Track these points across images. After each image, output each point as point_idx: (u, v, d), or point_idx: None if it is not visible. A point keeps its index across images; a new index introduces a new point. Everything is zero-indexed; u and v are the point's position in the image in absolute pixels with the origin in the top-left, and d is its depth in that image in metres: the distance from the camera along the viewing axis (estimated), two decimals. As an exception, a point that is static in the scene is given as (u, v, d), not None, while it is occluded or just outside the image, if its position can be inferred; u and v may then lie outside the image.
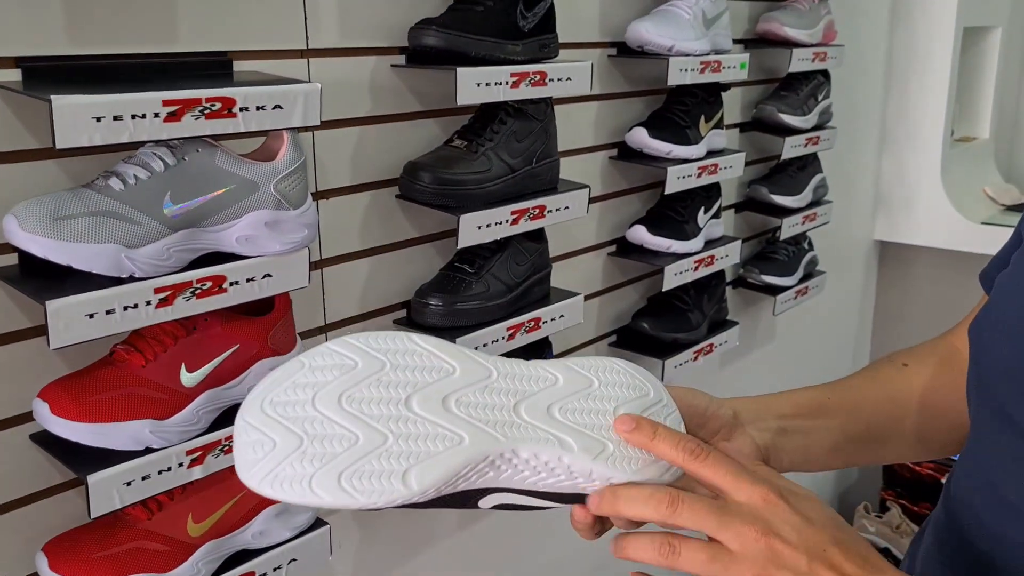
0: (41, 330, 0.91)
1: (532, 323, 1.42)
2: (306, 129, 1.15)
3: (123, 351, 0.99)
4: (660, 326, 1.80)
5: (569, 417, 0.65)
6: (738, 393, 0.80)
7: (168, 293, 0.95)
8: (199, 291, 0.97)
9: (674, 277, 1.73)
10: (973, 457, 0.73)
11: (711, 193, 1.85)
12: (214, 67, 1.06)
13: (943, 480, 2.75)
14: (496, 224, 1.31)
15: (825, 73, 2.18)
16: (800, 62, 2.02)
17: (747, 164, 1.94)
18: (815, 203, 2.26)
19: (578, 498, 0.68)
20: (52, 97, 0.82)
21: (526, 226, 1.36)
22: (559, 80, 1.35)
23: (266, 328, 1.09)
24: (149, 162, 0.94)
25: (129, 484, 0.96)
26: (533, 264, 1.44)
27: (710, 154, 1.79)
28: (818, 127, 2.17)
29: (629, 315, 1.85)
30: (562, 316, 1.48)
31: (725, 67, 1.72)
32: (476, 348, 1.30)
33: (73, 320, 0.88)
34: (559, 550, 1.83)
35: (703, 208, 1.83)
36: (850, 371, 0.90)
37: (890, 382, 0.87)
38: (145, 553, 1.01)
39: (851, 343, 3.07)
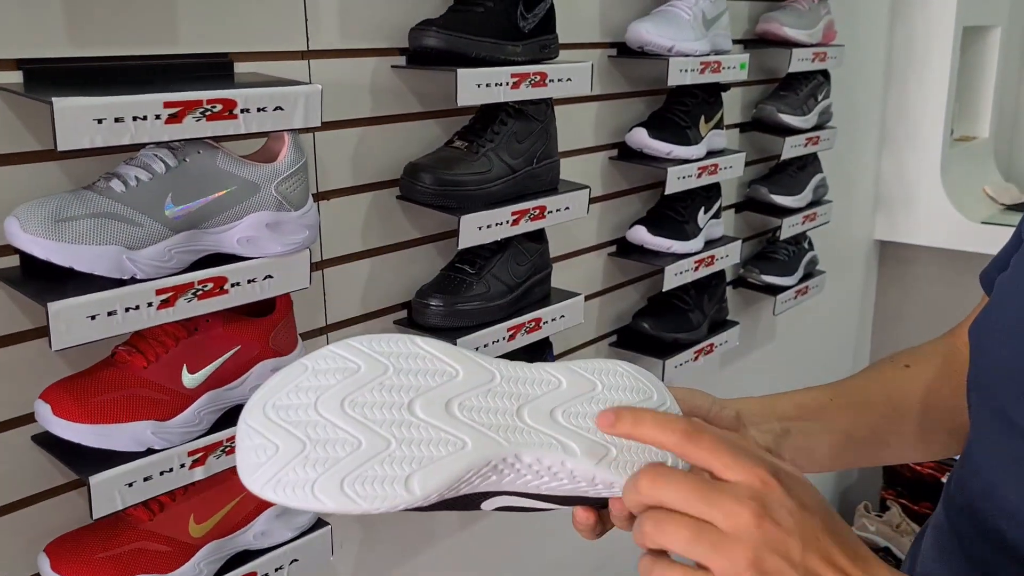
0: (43, 331, 0.91)
1: (533, 323, 1.42)
2: (307, 130, 1.15)
3: (125, 352, 1.00)
4: (660, 326, 1.80)
5: (572, 421, 0.65)
6: (739, 393, 0.80)
7: (170, 294, 0.95)
8: (200, 292, 0.97)
9: (674, 277, 1.73)
10: (973, 458, 0.73)
11: (711, 193, 1.86)
12: (215, 68, 1.07)
13: (943, 480, 2.76)
14: (497, 225, 1.31)
15: (825, 73, 2.18)
16: (800, 62, 2.02)
17: (747, 164, 1.95)
18: (815, 203, 2.26)
19: (581, 501, 0.68)
20: (53, 99, 0.83)
21: (527, 227, 1.36)
22: (559, 81, 1.35)
23: (267, 329, 1.09)
24: (150, 164, 0.94)
25: (131, 485, 0.96)
26: (534, 264, 1.44)
27: (710, 154, 1.79)
28: (818, 127, 2.17)
29: (629, 315, 1.85)
30: (563, 316, 1.48)
31: (725, 67, 1.73)
32: (476, 349, 1.31)
33: (75, 321, 0.88)
34: (559, 550, 1.83)
35: (703, 208, 1.83)
36: (850, 371, 0.90)
37: (892, 383, 0.86)
38: (147, 554, 1.02)
39: (851, 343, 3.07)
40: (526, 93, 1.30)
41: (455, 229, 1.26)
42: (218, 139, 0.98)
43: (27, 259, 0.90)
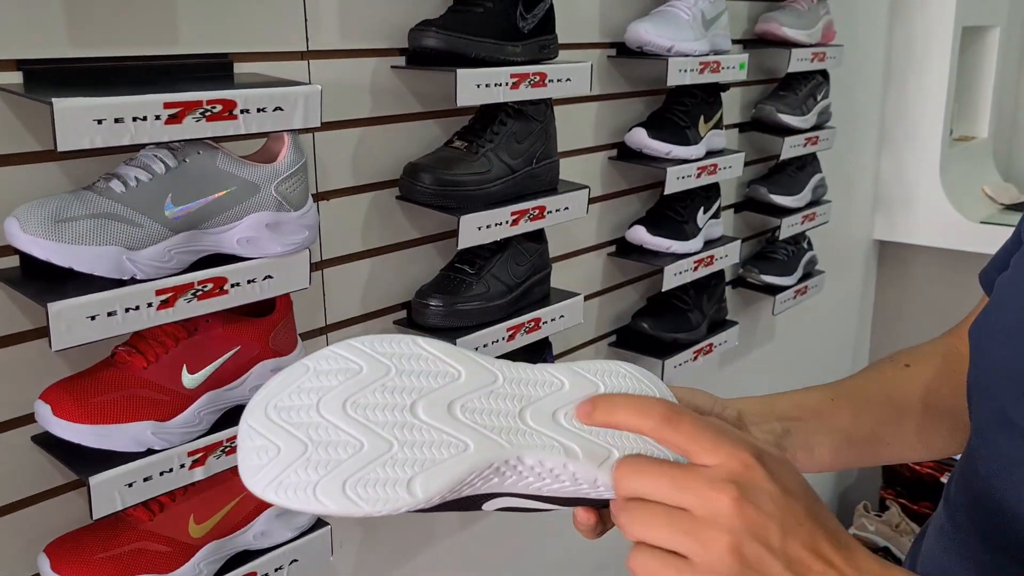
0: (43, 332, 0.91)
1: (532, 323, 1.42)
2: (307, 131, 1.15)
3: (124, 353, 1.00)
4: (660, 326, 1.80)
5: (575, 423, 0.65)
6: (738, 393, 0.80)
7: (169, 295, 0.95)
8: (200, 293, 0.97)
9: (674, 277, 1.73)
10: (973, 459, 0.73)
11: (710, 193, 1.86)
12: (215, 69, 1.07)
13: (943, 479, 2.76)
14: (496, 225, 1.31)
15: (824, 73, 2.19)
16: (799, 62, 2.02)
17: (746, 164, 1.95)
18: (814, 203, 2.27)
19: (582, 502, 0.67)
20: (53, 100, 0.83)
21: (526, 227, 1.36)
22: (559, 81, 1.35)
23: (267, 329, 1.09)
24: (150, 164, 0.94)
25: (131, 485, 0.96)
26: (533, 265, 1.44)
27: (709, 154, 1.79)
28: (817, 127, 2.17)
29: (629, 315, 1.85)
30: (562, 316, 1.48)
31: (724, 67, 1.73)
32: (476, 349, 1.31)
33: (75, 322, 0.88)
34: (559, 550, 1.83)
35: (702, 208, 1.83)
36: (850, 370, 0.90)
37: (893, 383, 0.86)
38: (147, 554, 1.02)
39: (850, 342, 3.07)
40: (525, 93, 1.31)
41: (455, 229, 1.26)
42: (218, 139, 0.98)
43: (27, 259, 0.90)
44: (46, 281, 0.90)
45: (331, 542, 1.21)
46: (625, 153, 1.73)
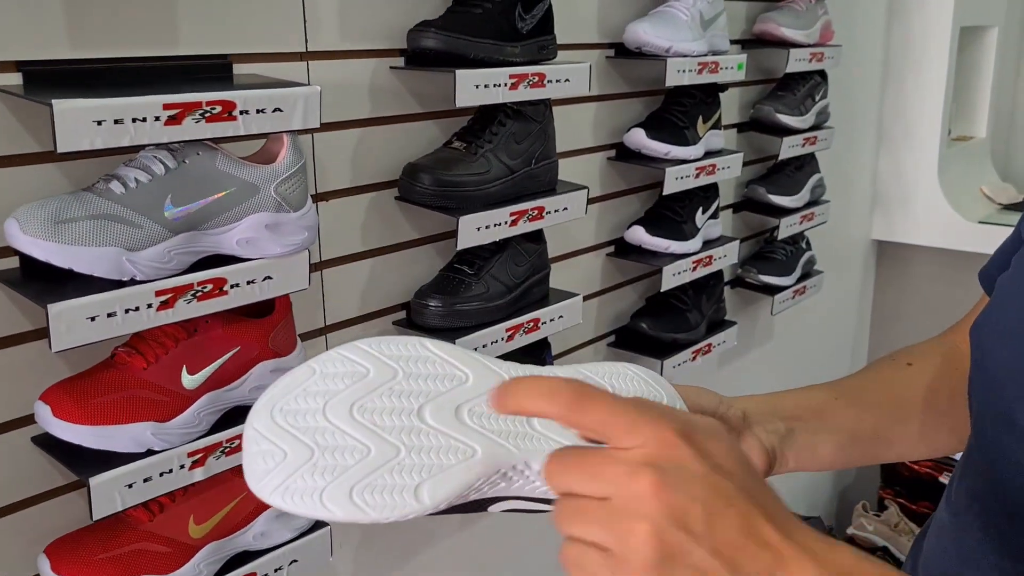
0: (43, 333, 0.91)
1: (531, 324, 1.42)
2: (306, 131, 1.15)
3: (124, 353, 1.00)
4: (659, 326, 1.81)
5: None
6: (737, 393, 0.80)
7: (169, 296, 0.95)
8: (200, 293, 0.98)
9: (672, 277, 1.74)
10: (975, 459, 0.73)
11: (709, 193, 1.86)
12: (214, 70, 1.07)
13: (942, 479, 2.76)
14: (495, 225, 1.31)
15: (822, 73, 2.19)
16: (797, 62, 2.02)
17: (745, 164, 1.95)
18: (813, 203, 2.27)
19: None
20: (53, 101, 0.83)
21: (525, 227, 1.37)
22: (557, 81, 1.35)
23: (267, 330, 1.09)
24: (150, 165, 0.94)
25: (131, 486, 0.97)
26: (532, 265, 1.44)
27: (708, 154, 1.79)
28: (815, 127, 2.18)
29: (628, 315, 1.85)
30: (561, 317, 1.48)
31: (723, 68, 1.73)
32: (475, 349, 1.31)
33: (75, 323, 0.88)
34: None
35: (701, 208, 1.83)
36: (848, 370, 0.90)
37: (895, 382, 0.86)
38: (147, 555, 1.02)
39: (849, 342, 3.08)
40: (524, 94, 1.31)
41: (454, 230, 1.26)
42: (217, 140, 0.98)
43: (27, 261, 0.90)
44: (46, 282, 0.90)
45: (331, 543, 1.21)
46: (624, 153, 1.73)
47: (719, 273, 1.94)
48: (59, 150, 0.84)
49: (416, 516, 0.59)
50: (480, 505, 0.65)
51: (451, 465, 0.60)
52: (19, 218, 0.87)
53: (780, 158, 2.08)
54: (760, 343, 2.46)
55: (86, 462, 0.95)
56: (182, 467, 1.01)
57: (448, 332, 1.31)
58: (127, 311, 0.92)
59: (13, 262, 0.95)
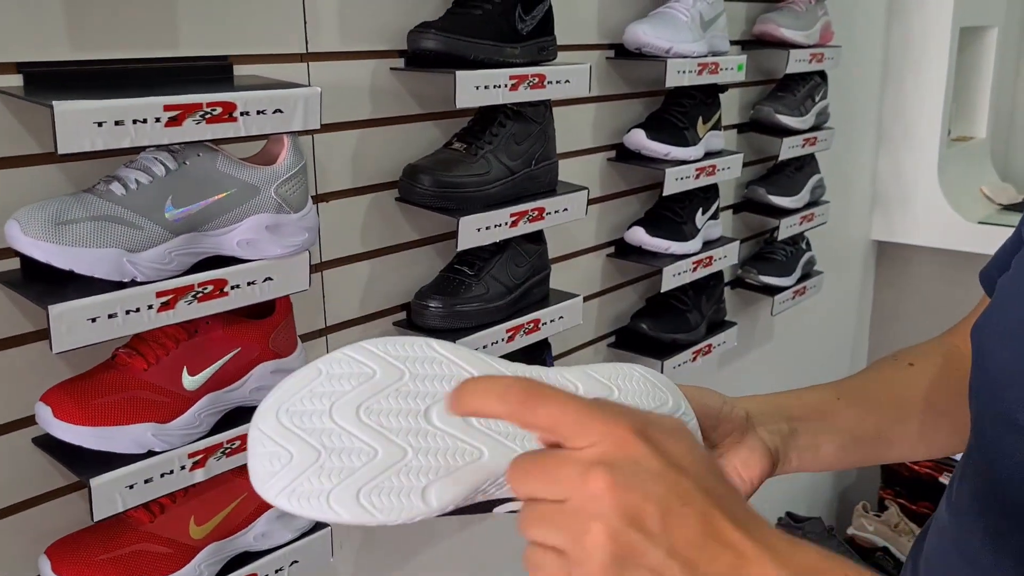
0: (43, 334, 0.91)
1: (531, 325, 1.42)
2: (306, 133, 1.15)
3: (125, 355, 1.00)
4: (659, 327, 1.81)
5: None
6: (737, 393, 0.80)
7: (170, 297, 0.95)
8: (201, 295, 0.98)
9: (673, 278, 1.74)
10: (975, 460, 0.73)
11: (709, 194, 1.86)
12: (215, 71, 1.07)
13: (942, 479, 2.76)
14: (495, 226, 1.31)
15: (822, 74, 2.19)
16: (797, 63, 2.02)
17: (745, 165, 1.95)
18: (813, 203, 2.27)
19: None
20: (54, 103, 0.83)
21: (525, 228, 1.37)
22: (558, 82, 1.36)
23: (267, 331, 1.09)
24: (150, 167, 0.94)
25: (131, 487, 0.97)
26: (532, 266, 1.44)
27: (708, 155, 1.79)
28: (815, 128, 2.18)
29: (628, 316, 1.85)
30: (561, 317, 1.48)
31: (723, 68, 1.73)
32: (476, 350, 1.31)
33: (75, 324, 0.88)
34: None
35: (701, 209, 1.83)
36: (848, 370, 0.90)
37: (897, 383, 0.86)
38: (148, 556, 1.02)
39: (849, 342, 3.08)
40: (524, 95, 1.31)
41: (454, 231, 1.26)
42: (218, 142, 0.98)
43: (28, 262, 0.90)
44: (47, 283, 0.90)
45: (331, 543, 1.22)
46: (624, 154, 1.73)
47: (719, 274, 1.95)
48: (60, 151, 0.84)
49: (423, 518, 0.59)
50: (486, 507, 0.65)
51: (458, 467, 0.59)
52: (20, 219, 0.87)
53: (780, 159, 2.09)
54: (760, 344, 2.46)
55: (87, 463, 0.95)
56: (183, 468, 1.01)
57: (448, 333, 1.31)
58: (128, 312, 0.92)
59: (14, 263, 0.95)
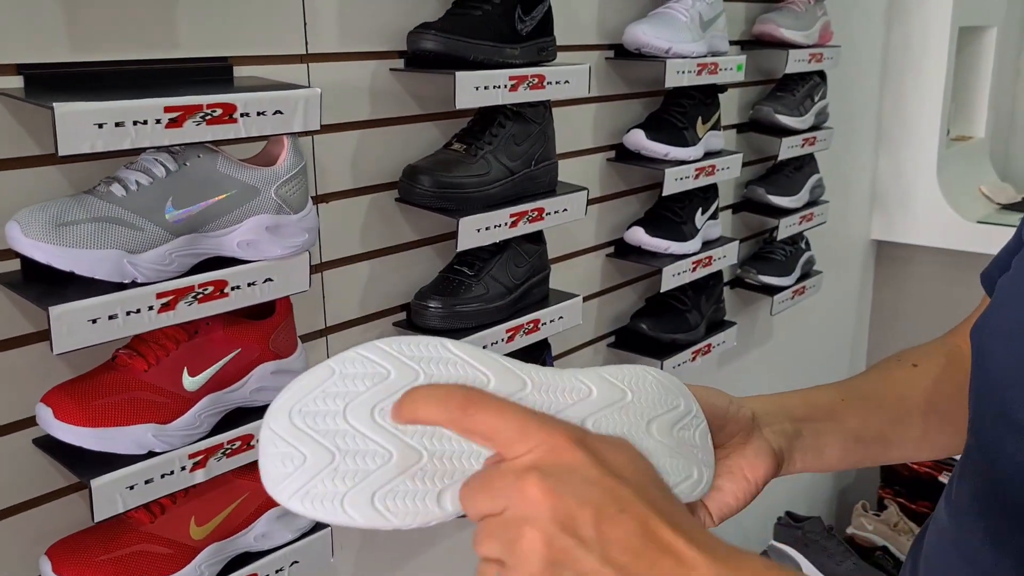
0: (44, 335, 0.91)
1: (531, 325, 1.42)
2: (306, 134, 1.15)
3: (125, 356, 1.00)
4: (658, 327, 1.81)
5: (603, 431, 0.63)
6: (736, 393, 0.80)
7: (170, 298, 0.95)
8: (201, 296, 0.98)
9: (672, 278, 1.74)
10: (974, 459, 0.73)
11: (708, 194, 1.86)
12: (215, 73, 1.07)
13: (941, 478, 2.76)
14: (495, 227, 1.31)
15: (821, 74, 2.19)
16: (796, 63, 2.02)
17: (744, 165, 1.95)
18: (812, 203, 2.27)
19: None
20: (54, 104, 0.83)
21: (525, 228, 1.37)
22: (557, 83, 1.36)
23: (267, 332, 1.09)
24: (151, 168, 0.94)
25: (132, 488, 0.97)
26: (532, 266, 1.44)
27: (707, 155, 1.79)
28: (814, 128, 2.18)
29: (628, 316, 1.85)
30: (561, 318, 1.48)
31: (722, 69, 1.73)
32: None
33: (76, 325, 0.89)
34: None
35: (701, 209, 1.83)
36: (847, 370, 0.90)
37: (902, 383, 0.86)
38: (148, 556, 1.02)
39: (848, 342, 3.08)
40: (524, 95, 1.31)
41: (454, 231, 1.26)
42: (218, 143, 0.98)
43: (28, 263, 0.90)
44: (47, 285, 0.91)
45: (331, 544, 1.22)
46: (623, 154, 1.73)
47: (719, 274, 1.95)
48: (60, 153, 0.84)
49: (439, 523, 0.58)
50: None
51: (474, 470, 0.58)
52: (20, 221, 0.87)
53: (779, 159, 2.09)
54: (759, 343, 2.46)
55: (87, 464, 0.96)
56: (183, 469, 1.01)
57: (448, 333, 1.31)
58: (128, 313, 0.92)
59: (14, 264, 0.95)
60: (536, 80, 1.32)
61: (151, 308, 0.94)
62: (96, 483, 0.94)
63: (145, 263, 0.93)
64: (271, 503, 1.13)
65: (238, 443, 1.06)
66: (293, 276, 1.06)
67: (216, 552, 1.09)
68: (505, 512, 0.51)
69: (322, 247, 1.24)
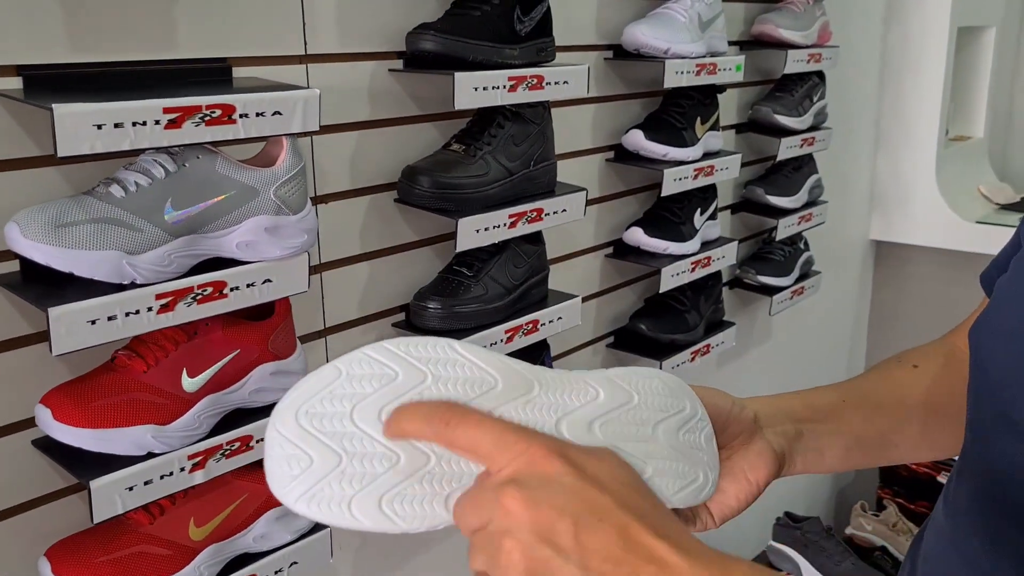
0: (43, 336, 0.91)
1: (530, 325, 1.42)
2: (305, 134, 1.15)
3: (125, 357, 1.00)
4: (658, 327, 1.81)
5: (610, 434, 0.63)
6: (735, 393, 0.80)
7: (169, 299, 0.95)
8: (200, 297, 0.98)
9: (671, 278, 1.74)
10: (973, 460, 0.73)
11: (707, 194, 1.86)
12: (214, 74, 1.07)
13: (940, 479, 2.77)
14: (494, 227, 1.31)
15: (820, 74, 2.19)
16: (795, 63, 2.02)
17: (743, 165, 1.95)
18: (811, 203, 2.27)
19: None
20: (53, 105, 0.83)
21: (524, 229, 1.37)
22: (556, 83, 1.36)
23: (266, 333, 1.09)
24: (150, 169, 0.94)
25: (131, 489, 0.97)
26: (531, 266, 1.44)
27: (706, 156, 1.79)
28: (813, 128, 2.18)
29: (627, 316, 1.85)
30: (560, 318, 1.48)
31: (721, 69, 1.73)
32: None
33: (75, 326, 0.89)
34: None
35: (699, 209, 1.83)
36: (846, 370, 0.90)
37: (903, 385, 0.86)
38: (147, 557, 1.02)
39: (847, 342, 3.08)
40: (523, 96, 1.31)
41: (453, 232, 1.26)
42: (217, 144, 0.98)
43: (27, 264, 0.90)
44: (46, 286, 0.91)
45: (330, 545, 1.22)
46: (622, 155, 1.73)
47: (717, 274, 1.95)
48: (59, 154, 0.84)
49: (446, 527, 0.58)
50: None
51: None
52: (19, 222, 0.87)
53: (778, 159, 2.09)
54: (758, 344, 2.47)
55: (86, 465, 0.95)
56: (182, 470, 1.01)
57: (447, 334, 1.31)
58: (127, 314, 0.92)
59: (14, 266, 0.95)
60: (535, 81, 1.32)
61: (150, 309, 0.94)
62: (95, 484, 0.94)
63: (144, 264, 0.93)
64: (270, 504, 1.13)
65: (237, 444, 1.06)
66: (292, 277, 1.06)
67: (215, 553, 1.09)
68: (488, 526, 0.52)
69: (321, 248, 1.24)
